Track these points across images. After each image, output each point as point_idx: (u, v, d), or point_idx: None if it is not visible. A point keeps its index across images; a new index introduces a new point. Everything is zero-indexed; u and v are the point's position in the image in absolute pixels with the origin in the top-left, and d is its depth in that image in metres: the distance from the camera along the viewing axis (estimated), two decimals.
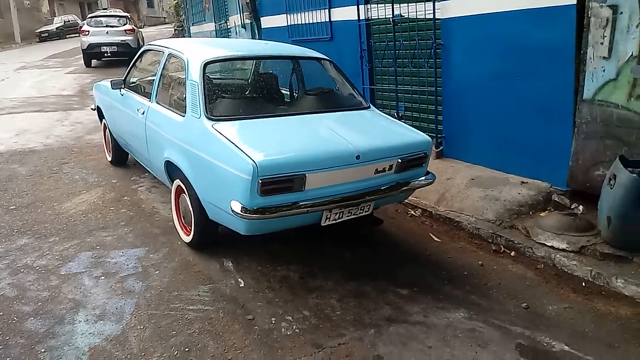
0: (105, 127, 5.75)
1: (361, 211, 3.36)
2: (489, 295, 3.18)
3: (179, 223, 3.84)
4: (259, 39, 9.13)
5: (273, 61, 4.23)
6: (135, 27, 17.08)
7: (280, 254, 3.63)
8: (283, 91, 4.23)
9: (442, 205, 4.47)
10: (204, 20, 13.15)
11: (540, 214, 4.17)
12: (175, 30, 22.59)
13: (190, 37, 15.39)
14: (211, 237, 3.59)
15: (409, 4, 5.42)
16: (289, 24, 7.79)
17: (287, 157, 2.93)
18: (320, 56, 4.16)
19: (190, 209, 3.51)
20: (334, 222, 3.25)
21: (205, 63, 3.56)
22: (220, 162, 3.01)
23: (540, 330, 2.80)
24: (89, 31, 14.92)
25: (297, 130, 3.38)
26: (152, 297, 3.07)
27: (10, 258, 3.57)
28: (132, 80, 4.76)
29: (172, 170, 3.76)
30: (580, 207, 4.15)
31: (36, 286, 3.19)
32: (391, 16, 5.69)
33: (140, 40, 16.78)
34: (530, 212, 4.21)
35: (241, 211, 2.86)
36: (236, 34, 10.56)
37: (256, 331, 2.76)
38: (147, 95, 4.24)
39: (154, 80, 4.29)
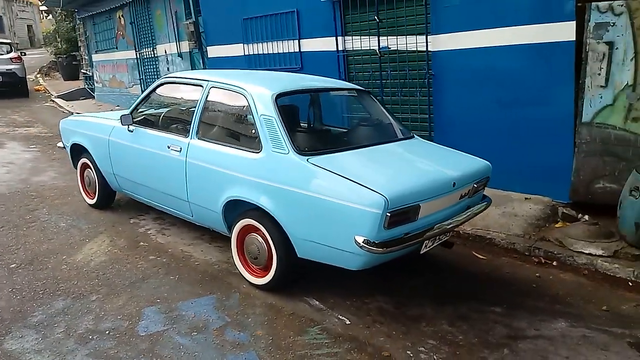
0: (83, 168, 5.14)
1: (446, 236, 3.48)
2: (569, 303, 3.46)
3: (245, 266, 3.59)
4: (203, 69, 8.85)
5: (322, 94, 4.16)
6: (20, 55, 15.40)
7: (355, 286, 3.56)
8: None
9: (466, 225, 4.73)
10: (116, 48, 12.30)
11: (555, 226, 4.63)
12: (57, 57, 20.49)
13: (92, 66, 14.27)
14: (295, 276, 3.42)
15: (394, 37, 5.75)
16: (247, 53, 7.68)
17: (408, 189, 2.94)
18: (360, 87, 4.22)
19: (273, 249, 3.32)
20: (429, 249, 3.32)
21: (277, 96, 3.44)
22: (336, 198, 2.91)
23: (636, 328, 3.13)
24: None
25: (387, 162, 3.39)
26: (270, 348, 2.84)
27: (62, 325, 3.05)
28: (145, 115, 4.35)
29: (236, 209, 3.53)
30: (586, 217, 4.70)
31: (127, 354, 2.77)
32: (377, 47, 5.95)
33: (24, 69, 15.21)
34: (547, 225, 4.65)
35: (367, 245, 2.80)
36: (168, 63, 10.07)
37: None
38: (181, 131, 3.92)
39: (183, 115, 4.01)
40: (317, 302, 3.35)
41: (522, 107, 4.99)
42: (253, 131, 3.42)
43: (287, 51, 7.06)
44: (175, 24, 9.37)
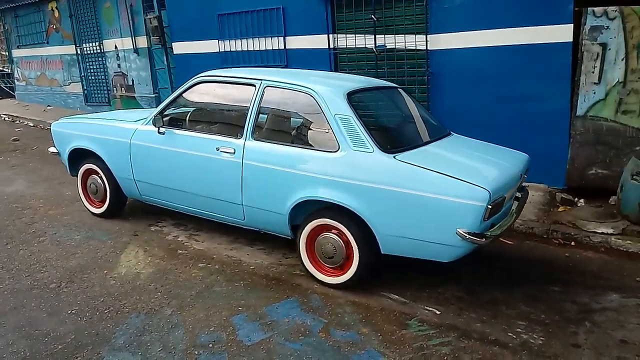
0: (87, 175, 4.74)
1: None
2: (607, 277, 3.83)
3: (316, 266, 3.57)
4: (167, 66, 8.44)
5: (376, 92, 4.16)
6: None
7: (419, 278, 3.67)
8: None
9: None
10: (46, 42, 11.25)
11: (559, 210, 5.10)
12: None
13: (12, 62, 12.91)
14: (374, 272, 3.47)
15: (391, 36, 5.93)
16: (222, 50, 7.45)
17: (500, 182, 3.11)
18: (395, 85, 4.32)
19: (354, 246, 3.34)
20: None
21: (349, 94, 3.45)
22: (434, 194, 3.01)
23: None
24: None
25: (461, 156, 3.54)
26: (385, 343, 2.88)
27: (157, 343, 2.86)
28: (179, 116, 4.11)
29: (304, 210, 3.50)
30: (582, 200, 5.23)
31: None
32: (374, 46, 6.09)
33: None
34: (551, 209, 5.10)
35: (472, 236, 2.95)
36: (119, 59, 9.44)
37: (518, 348, 2.86)
38: (231, 132, 3.78)
39: (232, 115, 3.88)
40: (397, 296, 3.44)
41: (521, 103, 5.40)
42: (326, 130, 3.41)
43: (271, 48, 6.97)
44: (130, 18, 8.81)
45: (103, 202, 4.73)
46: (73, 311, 3.18)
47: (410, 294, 3.47)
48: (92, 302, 3.29)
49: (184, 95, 4.13)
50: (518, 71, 5.36)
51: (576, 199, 5.26)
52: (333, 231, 3.46)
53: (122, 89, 9.68)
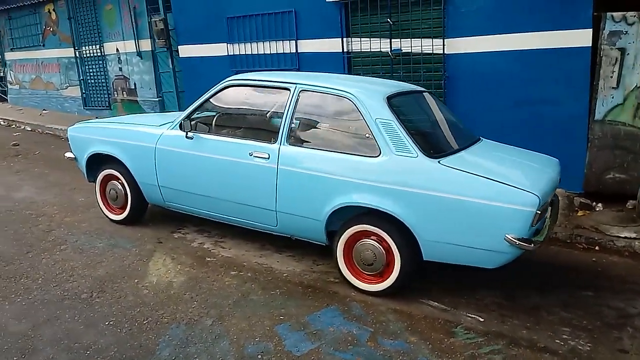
0: (105, 181, 4.64)
1: None
2: (636, 282, 3.86)
3: (354, 273, 3.52)
4: (172, 69, 8.34)
5: (411, 95, 4.11)
6: None
7: (456, 285, 3.65)
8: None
9: None
10: (42, 45, 11.04)
11: (578, 214, 5.12)
12: None
13: (5, 65, 12.65)
14: (412, 279, 3.43)
15: (407, 39, 5.93)
16: (231, 53, 7.38)
17: (545, 187, 3.12)
18: (424, 89, 4.29)
19: (396, 253, 3.30)
20: None
21: (389, 97, 3.42)
22: (482, 199, 2.99)
23: None
24: None
25: (502, 162, 3.54)
26: (436, 352, 2.85)
27: (203, 355, 2.79)
28: (208, 120, 4.03)
29: (341, 216, 3.46)
30: (600, 205, 5.26)
31: None
32: (389, 49, 6.08)
33: None
34: (571, 214, 5.12)
35: (522, 242, 2.95)
36: (120, 62, 9.30)
37: (568, 355, 2.85)
38: (264, 137, 3.73)
39: (265, 120, 3.85)
40: (437, 303, 3.41)
41: (539, 107, 5.42)
42: (366, 135, 3.37)
43: (282, 52, 6.92)
44: (134, 21, 8.68)
45: (123, 208, 4.63)
46: (110, 322, 3.09)
47: (449, 301, 3.45)
48: (128, 313, 3.20)
49: (212, 99, 4.06)
50: (536, 75, 5.38)
51: (594, 203, 5.29)
52: (372, 237, 3.42)
53: (124, 92, 9.53)
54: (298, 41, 6.78)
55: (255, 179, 3.73)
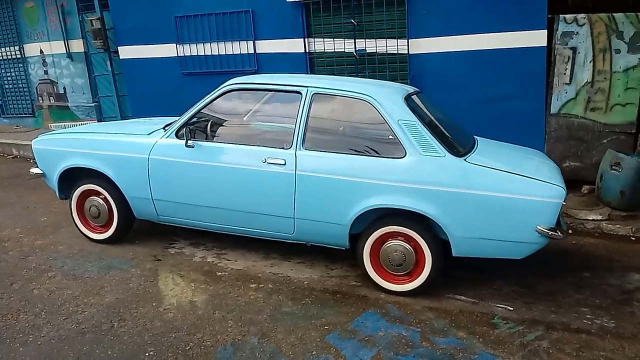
0: (82, 199, 4.22)
1: None
2: (619, 259, 4.27)
3: (382, 275, 3.53)
4: (110, 71, 7.73)
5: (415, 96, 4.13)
6: None
7: (471, 278, 3.82)
8: None
9: None
10: None
11: None
12: None
13: None
14: (440, 275, 3.52)
15: (372, 40, 6.03)
16: (180, 54, 7.00)
17: (563, 179, 3.35)
18: (420, 90, 4.37)
19: (426, 252, 3.37)
20: None
21: (406, 98, 3.47)
22: (512, 194, 3.15)
23: None
24: None
25: (516, 158, 3.72)
26: (490, 344, 2.96)
27: None
28: (209, 127, 3.80)
29: (365, 219, 3.47)
30: None
31: None
32: (354, 50, 6.14)
33: None
34: None
35: (553, 232, 3.15)
36: (45, 65, 8.42)
37: (601, 333, 3.08)
38: (277, 142, 3.61)
39: (275, 124, 3.73)
40: (464, 297, 3.54)
41: (499, 103, 5.79)
42: (389, 137, 3.39)
43: (239, 52, 6.71)
44: (62, 20, 7.91)
45: (107, 226, 4.24)
46: (150, 353, 2.84)
47: (473, 294, 3.59)
48: (164, 340, 2.95)
49: (211, 105, 3.84)
50: (496, 74, 5.74)
51: None
52: (399, 238, 3.46)
53: (51, 98, 8.64)
54: (256, 41, 6.61)
55: (270, 185, 3.61)
